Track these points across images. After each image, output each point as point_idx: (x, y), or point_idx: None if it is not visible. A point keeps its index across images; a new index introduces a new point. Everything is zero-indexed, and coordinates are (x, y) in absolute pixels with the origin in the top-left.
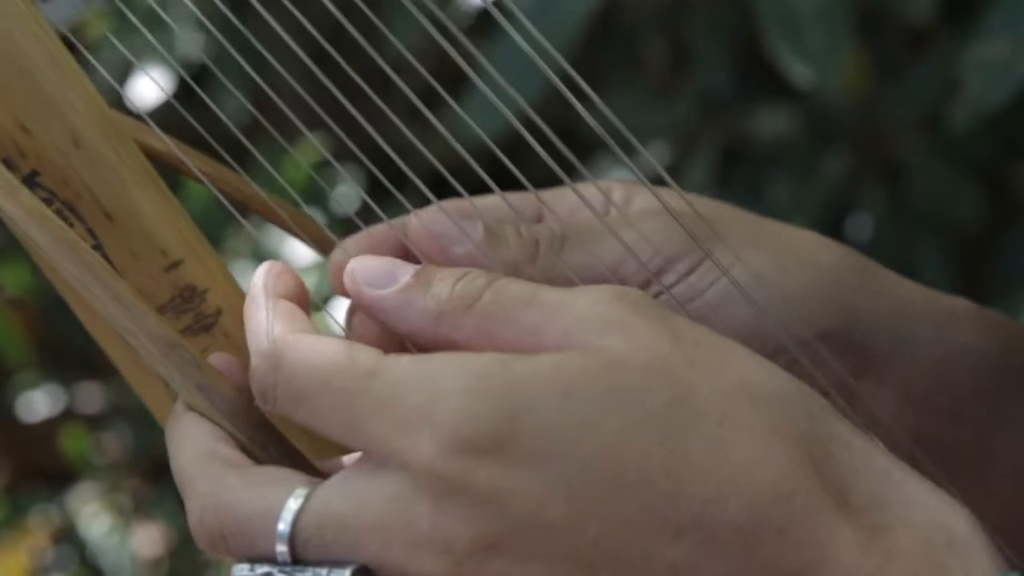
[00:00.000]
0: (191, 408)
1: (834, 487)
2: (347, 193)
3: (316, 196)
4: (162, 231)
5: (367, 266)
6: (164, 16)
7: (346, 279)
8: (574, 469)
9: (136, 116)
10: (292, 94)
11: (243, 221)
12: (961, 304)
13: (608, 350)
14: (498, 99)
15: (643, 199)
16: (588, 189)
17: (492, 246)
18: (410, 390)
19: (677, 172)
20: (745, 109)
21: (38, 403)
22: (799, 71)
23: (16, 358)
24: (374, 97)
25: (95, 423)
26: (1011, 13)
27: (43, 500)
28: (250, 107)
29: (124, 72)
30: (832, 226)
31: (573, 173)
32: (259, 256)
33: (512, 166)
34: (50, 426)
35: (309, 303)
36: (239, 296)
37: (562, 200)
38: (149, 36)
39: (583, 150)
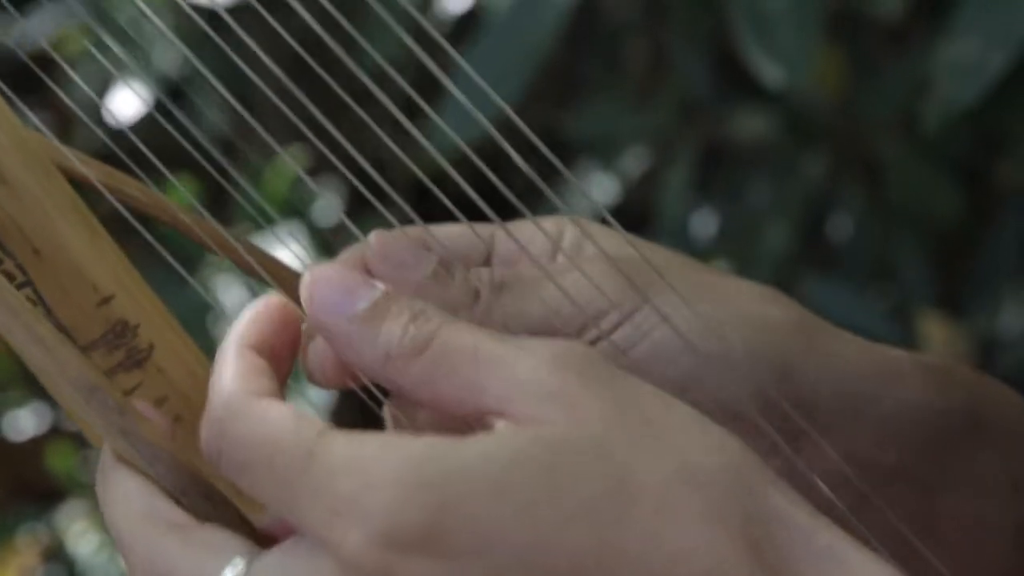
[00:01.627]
0: (119, 458)
1: (772, 571)
2: (327, 206)
3: (296, 210)
4: (92, 266)
5: (325, 285)
6: (141, 30)
7: (303, 295)
8: (504, 562)
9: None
10: (271, 107)
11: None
12: (905, 358)
13: (544, 429)
14: (476, 106)
15: (598, 240)
16: (545, 223)
17: (439, 284)
18: (344, 477)
19: (657, 176)
20: (724, 112)
21: (24, 421)
22: (770, 72)
23: (1, 377)
24: (355, 107)
25: (81, 440)
26: (980, 12)
27: (31, 519)
28: (224, 124)
29: (103, 86)
30: (812, 226)
31: (555, 178)
32: (236, 270)
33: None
34: (36, 444)
35: (295, 345)
36: (172, 330)
37: (519, 232)
38: (121, 54)
39: (564, 155)
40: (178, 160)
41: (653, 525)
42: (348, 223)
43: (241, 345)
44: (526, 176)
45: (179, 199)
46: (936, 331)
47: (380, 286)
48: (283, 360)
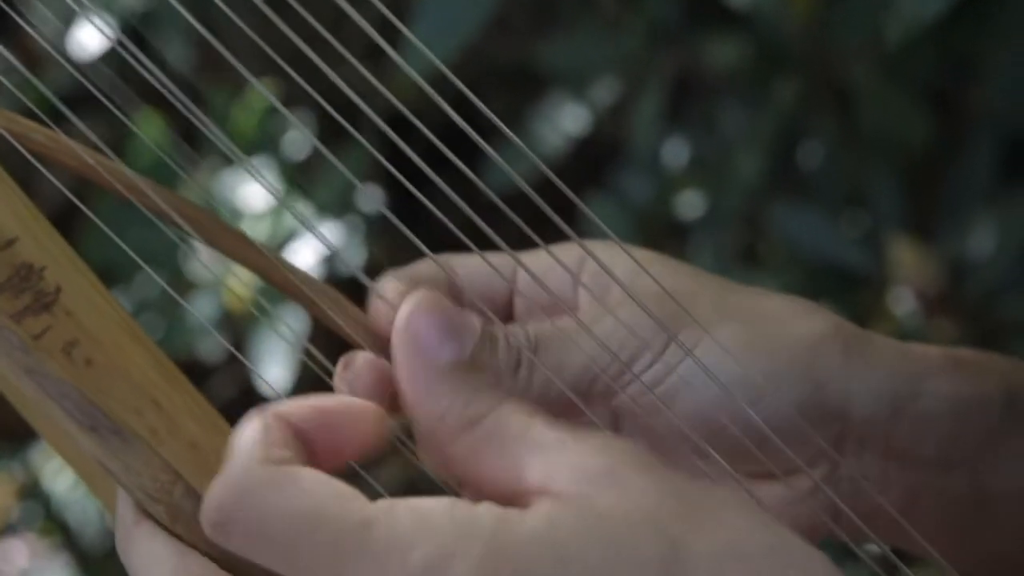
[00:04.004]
0: (142, 513)
1: None
2: (297, 140)
3: (266, 143)
4: None
5: (427, 319)
6: None
7: (399, 327)
8: None
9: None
10: (239, 40)
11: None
12: (938, 354)
13: (597, 502)
14: (444, 36)
15: (619, 272)
16: (563, 254)
17: (487, 354)
18: (416, 549)
19: (628, 105)
20: (695, 40)
21: None
22: None
23: None
24: (328, 37)
25: None
26: None
27: (6, 457)
28: (191, 58)
29: (67, 20)
30: (784, 154)
31: (525, 107)
32: (210, 205)
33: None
34: None
35: (345, 455)
36: (80, 272)
37: (537, 262)
38: None
39: (535, 85)
40: (145, 96)
41: None
42: (324, 151)
43: (276, 415)
44: (500, 101)
45: (149, 135)
46: (906, 256)
47: (470, 348)
48: (322, 459)
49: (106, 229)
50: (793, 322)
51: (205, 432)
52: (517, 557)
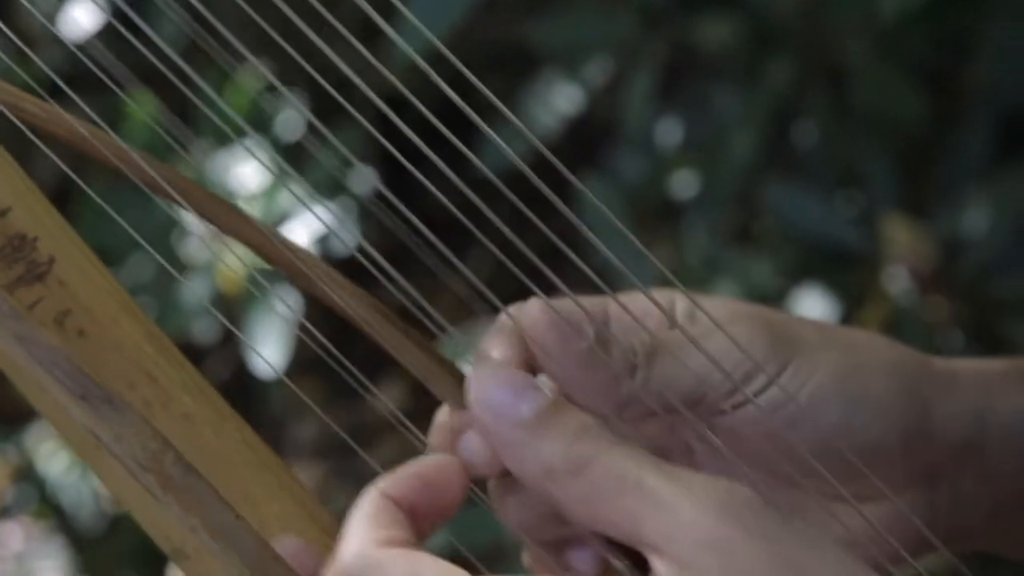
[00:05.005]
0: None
1: None
2: (291, 119)
3: (260, 122)
4: None
5: (494, 385)
6: None
7: (469, 392)
8: None
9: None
10: (234, 19)
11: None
12: (999, 367)
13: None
14: (437, 16)
15: (709, 308)
16: (631, 303)
17: (601, 354)
18: None
19: (621, 84)
20: (688, 19)
21: None
22: None
23: None
24: (324, 12)
25: None
26: None
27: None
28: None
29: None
30: (778, 134)
31: (519, 87)
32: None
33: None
34: None
35: (447, 511)
36: (73, 242)
37: (632, 304)
38: None
39: (528, 64)
40: (138, 76)
41: None
42: (321, 128)
43: (381, 494)
44: (493, 81)
45: (142, 115)
46: (901, 234)
47: (547, 391)
48: (426, 521)
49: (103, 204)
50: (887, 351)
51: (198, 405)
52: None
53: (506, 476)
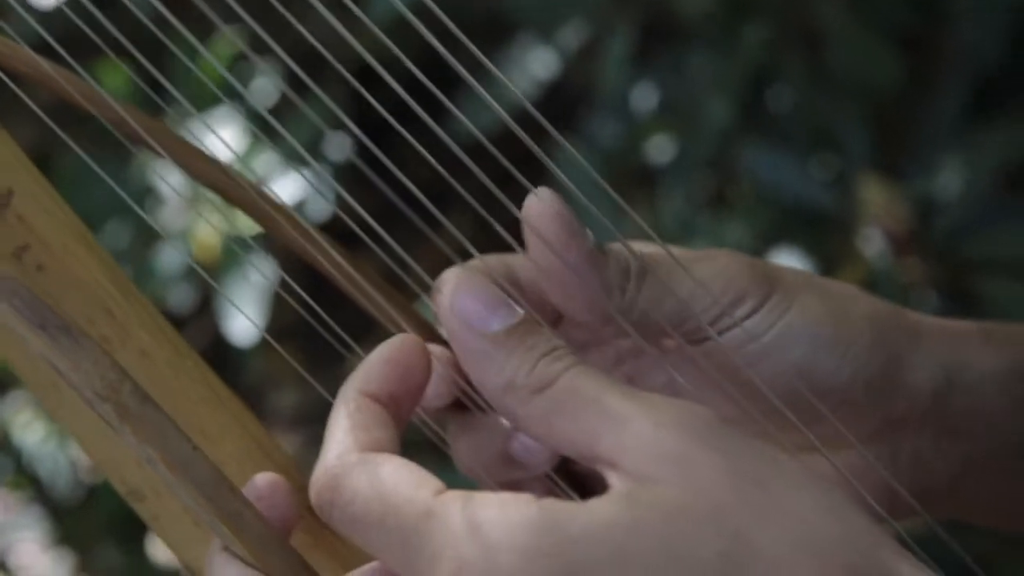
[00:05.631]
0: (227, 553)
1: None
2: (264, 88)
3: (233, 91)
4: None
5: (469, 294)
6: None
7: (443, 299)
8: None
9: None
10: None
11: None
12: (967, 327)
13: (659, 491)
14: None
15: (692, 252)
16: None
17: (598, 263)
18: (466, 542)
19: (596, 49)
20: None
21: None
22: None
23: None
24: None
25: None
26: None
27: None
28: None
29: None
30: (753, 97)
31: (494, 52)
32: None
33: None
34: None
35: (419, 392)
36: (32, 178)
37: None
38: None
39: (504, 29)
40: (109, 45)
41: None
42: (294, 98)
43: (359, 393)
44: (468, 51)
45: (113, 85)
46: (875, 195)
47: (520, 311)
48: (404, 406)
49: (87, 159)
50: (860, 299)
51: (156, 341)
52: (571, 554)
53: (461, 413)
